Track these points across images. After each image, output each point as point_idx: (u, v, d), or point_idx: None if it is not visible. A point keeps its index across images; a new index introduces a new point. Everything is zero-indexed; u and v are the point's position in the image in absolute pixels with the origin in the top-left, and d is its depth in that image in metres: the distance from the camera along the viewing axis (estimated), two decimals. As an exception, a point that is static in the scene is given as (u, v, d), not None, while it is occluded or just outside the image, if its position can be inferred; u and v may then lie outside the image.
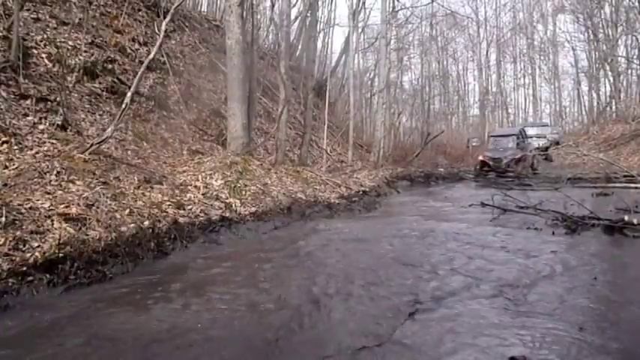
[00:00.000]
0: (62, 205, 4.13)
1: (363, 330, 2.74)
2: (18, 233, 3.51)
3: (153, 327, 2.78)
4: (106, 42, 8.87)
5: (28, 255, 3.37)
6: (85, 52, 7.89)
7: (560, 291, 3.35)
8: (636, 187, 9.77)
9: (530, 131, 20.33)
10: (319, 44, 20.50)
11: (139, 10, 11.09)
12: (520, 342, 2.52)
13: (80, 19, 8.40)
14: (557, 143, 20.52)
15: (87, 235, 3.94)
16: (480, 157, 15.87)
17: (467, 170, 17.39)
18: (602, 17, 25.57)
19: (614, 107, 25.67)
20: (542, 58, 32.69)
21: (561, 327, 2.70)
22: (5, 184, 4.12)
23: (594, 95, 28.11)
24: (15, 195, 4.01)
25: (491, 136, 17.80)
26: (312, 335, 2.72)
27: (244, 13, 9.12)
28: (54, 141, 5.40)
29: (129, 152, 6.78)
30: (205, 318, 2.93)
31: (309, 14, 14.40)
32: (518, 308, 3.02)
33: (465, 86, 36.66)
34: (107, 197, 4.64)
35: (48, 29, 7.62)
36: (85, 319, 2.88)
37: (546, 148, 19.50)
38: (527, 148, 16.23)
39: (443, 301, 3.22)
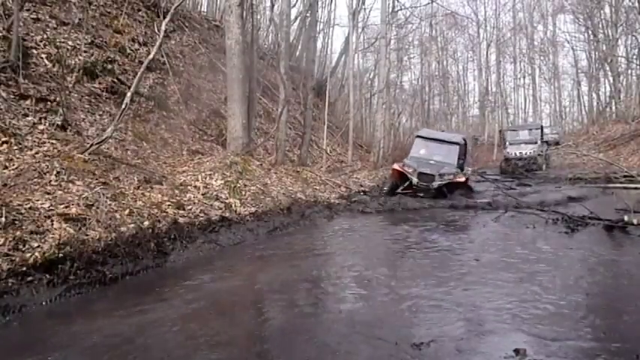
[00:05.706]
0: (62, 206, 4.12)
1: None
2: (18, 233, 3.51)
3: (150, 329, 2.79)
4: (105, 42, 8.87)
5: (28, 255, 3.37)
6: (85, 52, 7.88)
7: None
8: (636, 187, 9.77)
9: (520, 135, 17.79)
10: (319, 44, 20.54)
11: (139, 10, 11.08)
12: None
13: (80, 19, 8.39)
14: (557, 143, 20.42)
15: (87, 235, 3.94)
16: (397, 166, 10.06)
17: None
18: (602, 17, 25.62)
19: (613, 107, 25.71)
20: (542, 58, 32.75)
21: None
22: (5, 184, 4.12)
23: (594, 95, 28.20)
24: (15, 195, 4.01)
25: (418, 137, 11.35)
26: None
27: (244, 13, 9.11)
28: (54, 141, 5.39)
29: (129, 152, 6.77)
30: (203, 321, 2.93)
31: (308, 14, 14.43)
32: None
33: (464, 86, 36.77)
34: (107, 197, 4.63)
35: (48, 29, 7.61)
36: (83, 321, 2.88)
37: (536, 159, 16.68)
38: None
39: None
